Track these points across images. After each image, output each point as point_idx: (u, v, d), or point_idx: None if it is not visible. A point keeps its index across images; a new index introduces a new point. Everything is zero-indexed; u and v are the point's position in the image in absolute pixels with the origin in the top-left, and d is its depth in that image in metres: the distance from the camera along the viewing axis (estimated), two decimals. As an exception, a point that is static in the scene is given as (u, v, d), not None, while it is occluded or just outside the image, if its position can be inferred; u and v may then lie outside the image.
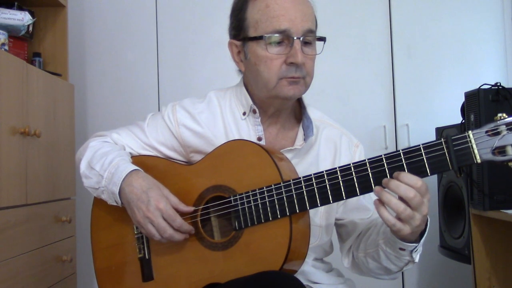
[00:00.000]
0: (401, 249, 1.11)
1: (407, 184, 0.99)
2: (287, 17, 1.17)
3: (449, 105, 2.54)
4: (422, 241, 1.10)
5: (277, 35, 1.17)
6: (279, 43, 1.18)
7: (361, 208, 1.30)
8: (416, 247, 1.10)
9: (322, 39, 1.23)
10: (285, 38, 1.18)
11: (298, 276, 1.11)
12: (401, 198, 1.00)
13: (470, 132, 0.97)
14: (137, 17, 2.79)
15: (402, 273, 2.69)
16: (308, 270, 1.27)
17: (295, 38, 1.17)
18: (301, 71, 1.19)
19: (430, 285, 2.73)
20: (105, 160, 1.24)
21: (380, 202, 1.02)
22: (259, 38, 1.19)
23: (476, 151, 0.97)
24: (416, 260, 1.14)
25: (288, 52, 1.18)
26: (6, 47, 2.02)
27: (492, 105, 1.88)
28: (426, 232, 1.10)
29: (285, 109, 1.29)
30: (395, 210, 1.00)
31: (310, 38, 1.20)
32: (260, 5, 1.20)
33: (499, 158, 0.95)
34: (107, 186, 1.22)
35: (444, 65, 2.76)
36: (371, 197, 1.29)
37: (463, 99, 2.03)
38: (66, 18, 2.47)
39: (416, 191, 0.99)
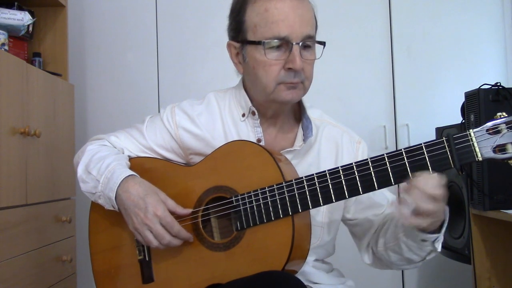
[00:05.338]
0: (423, 240, 1.12)
1: (433, 183, 1.00)
2: (286, 22, 1.15)
3: (449, 105, 2.54)
4: (443, 230, 1.11)
5: (276, 41, 1.16)
6: (277, 47, 1.17)
7: (374, 205, 1.30)
8: (437, 237, 1.11)
9: (322, 43, 1.21)
10: (284, 43, 1.17)
11: (298, 276, 1.11)
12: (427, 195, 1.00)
13: (471, 130, 0.99)
14: (137, 17, 2.79)
15: (402, 272, 2.70)
16: (309, 270, 1.27)
17: (294, 43, 1.16)
18: (300, 76, 1.18)
19: (430, 285, 2.73)
20: (102, 165, 1.24)
21: (402, 201, 1.02)
22: (258, 43, 1.18)
23: (477, 149, 0.98)
24: (439, 249, 1.15)
25: (287, 57, 1.17)
26: (6, 47, 2.02)
27: (492, 105, 1.88)
28: (446, 222, 1.11)
29: (283, 111, 1.29)
30: (424, 210, 1.01)
31: (309, 42, 1.20)
32: (259, 8, 1.18)
33: (500, 156, 0.97)
34: (103, 191, 1.22)
35: (444, 65, 2.76)
36: (382, 192, 1.30)
37: (463, 99, 2.03)
38: (66, 18, 2.47)
39: (443, 188, 1.01)
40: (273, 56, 1.17)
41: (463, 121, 2.04)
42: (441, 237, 1.13)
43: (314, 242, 1.22)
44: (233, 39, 1.27)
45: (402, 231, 1.17)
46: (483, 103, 1.89)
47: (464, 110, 2.03)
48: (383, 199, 1.30)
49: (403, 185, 1.02)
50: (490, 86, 1.91)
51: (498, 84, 1.91)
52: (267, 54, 1.17)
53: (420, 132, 2.70)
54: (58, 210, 2.20)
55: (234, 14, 1.26)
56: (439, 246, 1.14)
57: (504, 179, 1.88)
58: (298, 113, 1.33)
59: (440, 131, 2.33)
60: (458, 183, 2.18)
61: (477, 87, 1.92)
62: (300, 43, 1.16)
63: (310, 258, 1.26)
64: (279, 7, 1.16)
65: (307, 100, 1.32)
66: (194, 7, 2.79)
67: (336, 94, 2.75)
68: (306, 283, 1.23)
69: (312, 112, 1.31)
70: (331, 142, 1.31)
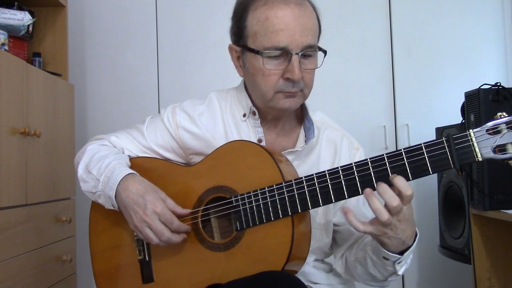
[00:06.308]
0: (385, 258, 1.11)
1: (399, 189, 0.99)
2: (286, 32, 1.14)
3: (449, 105, 2.54)
4: (406, 254, 1.10)
5: (275, 51, 1.15)
6: (277, 56, 1.16)
7: (359, 215, 1.27)
8: (399, 259, 1.10)
9: (323, 51, 1.20)
10: (284, 53, 1.16)
11: (298, 276, 1.11)
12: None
13: (471, 130, 0.98)
14: (137, 17, 2.79)
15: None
16: (309, 270, 1.27)
17: (293, 54, 1.14)
18: (299, 85, 1.18)
19: (430, 285, 2.73)
20: (102, 164, 1.24)
21: (347, 209, 1.05)
22: (257, 52, 1.17)
23: (477, 149, 0.98)
24: (399, 272, 1.13)
25: (286, 67, 1.15)
26: (6, 47, 2.02)
27: (492, 105, 1.88)
28: (412, 248, 1.10)
29: (284, 115, 1.28)
30: (379, 219, 1.01)
31: (310, 52, 1.18)
32: (260, 16, 1.17)
33: (500, 156, 0.97)
34: (103, 190, 1.22)
35: (444, 65, 2.76)
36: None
37: (463, 99, 2.03)
38: (66, 18, 2.47)
39: (399, 201, 1.00)
40: (271, 66, 1.16)
41: (463, 121, 2.04)
42: (404, 261, 1.11)
43: (313, 244, 1.22)
44: (234, 42, 1.26)
45: (370, 245, 1.16)
46: (483, 103, 1.89)
47: (464, 110, 2.03)
48: (369, 211, 1.30)
49: (368, 190, 1.02)
50: (490, 86, 1.91)
51: (498, 84, 1.91)
52: (266, 64, 1.16)
53: (420, 132, 2.70)
54: (58, 210, 2.20)
55: (236, 18, 1.24)
56: (400, 270, 1.12)
57: (504, 179, 1.88)
58: (300, 114, 1.33)
59: (440, 131, 2.33)
60: (458, 183, 2.18)
61: (477, 87, 1.92)
62: (300, 53, 1.15)
63: (310, 258, 1.26)
64: (280, 16, 1.14)
65: (309, 102, 1.31)
66: (194, 7, 2.79)
67: (336, 94, 2.75)
68: (306, 283, 1.23)
69: (314, 114, 1.31)
70: (330, 145, 1.31)
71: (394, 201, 0.99)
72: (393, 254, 1.09)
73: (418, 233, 1.10)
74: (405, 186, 1.00)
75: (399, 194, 1.00)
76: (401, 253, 1.09)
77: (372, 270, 1.18)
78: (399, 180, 1.00)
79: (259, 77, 1.19)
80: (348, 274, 1.31)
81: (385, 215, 1.00)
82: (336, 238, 1.34)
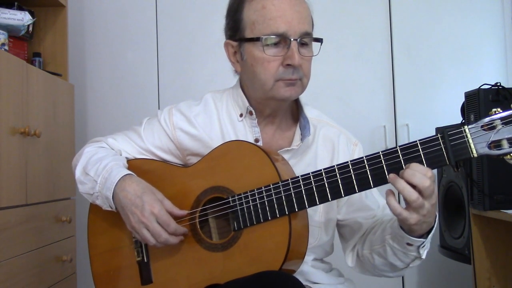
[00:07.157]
0: (408, 244, 1.11)
1: (421, 173, 0.99)
2: (284, 19, 1.17)
3: (449, 105, 2.54)
4: (429, 237, 1.10)
5: (274, 37, 1.17)
6: (276, 44, 1.18)
7: (365, 208, 1.30)
8: (423, 243, 1.10)
9: (319, 40, 1.22)
10: (282, 39, 1.17)
11: (297, 276, 1.11)
12: (414, 187, 0.99)
13: (466, 127, 0.99)
14: (137, 17, 2.79)
15: (402, 273, 2.70)
16: (308, 270, 1.27)
17: (292, 39, 1.16)
18: (298, 73, 1.19)
19: (430, 285, 2.73)
20: (100, 165, 1.24)
21: (390, 191, 1.02)
22: (256, 39, 1.18)
23: (472, 145, 0.98)
24: (423, 256, 1.13)
25: (285, 53, 1.17)
26: (6, 47, 2.03)
27: (492, 105, 1.88)
28: (434, 229, 1.10)
29: (281, 109, 1.29)
30: (408, 198, 1.00)
31: (307, 39, 1.20)
32: (257, 6, 1.19)
33: (495, 152, 0.97)
34: (101, 191, 1.22)
35: (444, 65, 2.76)
36: (374, 196, 1.30)
37: (463, 99, 2.02)
38: (66, 18, 2.47)
39: (431, 182, 0.99)
40: (271, 53, 1.18)
41: (463, 121, 2.03)
42: (427, 244, 1.12)
43: (312, 242, 1.22)
44: (230, 37, 1.28)
45: (390, 233, 1.16)
46: (483, 103, 1.89)
47: (464, 110, 2.03)
48: (374, 203, 1.30)
49: (392, 175, 1.01)
50: (490, 86, 1.91)
51: (498, 84, 1.90)
52: (266, 50, 1.18)
53: (420, 132, 2.69)
54: (58, 210, 2.20)
55: (231, 13, 1.26)
56: (424, 253, 1.13)
57: (504, 179, 1.88)
58: (296, 112, 1.33)
59: (440, 131, 2.32)
60: (458, 183, 2.18)
61: (477, 87, 1.92)
62: (298, 39, 1.17)
63: (309, 258, 1.26)
64: (277, 4, 1.17)
65: (306, 99, 1.32)
66: (194, 7, 2.79)
67: (336, 94, 2.75)
68: (305, 283, 1.23)
69: (309, 112, 1.31)
70: (327, 142, 1.31)
71: (426, 181, 0.98)
72: (418, 239, 1.08)
73: (436, 213, 1.09)
74: (423, 169, 0.99)
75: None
76: (422, 236, 1.09)
77: (392, 259, 1.18)
78: (417, 167, 0.99)
79: (258, 67, 1.20)
80: (361, 268, 1.31)
81: (413, 194, 0.98)
82: (343, 233, 1.34)
